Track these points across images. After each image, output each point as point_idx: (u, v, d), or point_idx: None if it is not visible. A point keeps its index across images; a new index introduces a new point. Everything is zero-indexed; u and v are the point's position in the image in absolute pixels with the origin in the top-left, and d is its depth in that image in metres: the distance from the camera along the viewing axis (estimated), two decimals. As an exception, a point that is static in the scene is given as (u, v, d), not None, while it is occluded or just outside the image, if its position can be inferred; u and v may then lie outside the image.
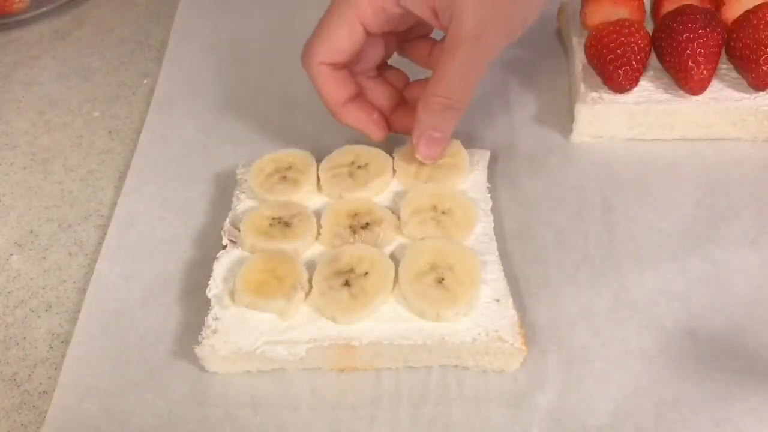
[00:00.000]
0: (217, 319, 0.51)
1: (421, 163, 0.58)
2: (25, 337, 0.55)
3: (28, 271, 0.60)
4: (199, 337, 0.50)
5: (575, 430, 0.48)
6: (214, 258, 0.54)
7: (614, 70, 0.62)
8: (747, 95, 0.64)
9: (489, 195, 0.58)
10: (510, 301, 0.51)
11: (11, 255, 0.61)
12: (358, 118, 0.60)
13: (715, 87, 0.64)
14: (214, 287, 0.53)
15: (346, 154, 0.60)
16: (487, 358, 0.50)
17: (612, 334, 0.52)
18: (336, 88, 0.58)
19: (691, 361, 0.51)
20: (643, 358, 0.51)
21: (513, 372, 0.51)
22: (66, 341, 0.54)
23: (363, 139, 0.61)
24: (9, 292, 0.58)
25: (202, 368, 0.51)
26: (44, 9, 0.84)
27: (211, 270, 0.54)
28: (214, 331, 0.50)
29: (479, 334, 0.49)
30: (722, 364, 0.50)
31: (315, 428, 0.49)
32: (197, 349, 0.50)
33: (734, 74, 0.65)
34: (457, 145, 0.60)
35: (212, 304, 0.52)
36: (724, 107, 0.63)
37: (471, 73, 0.54)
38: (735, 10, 0.65)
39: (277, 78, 0.74)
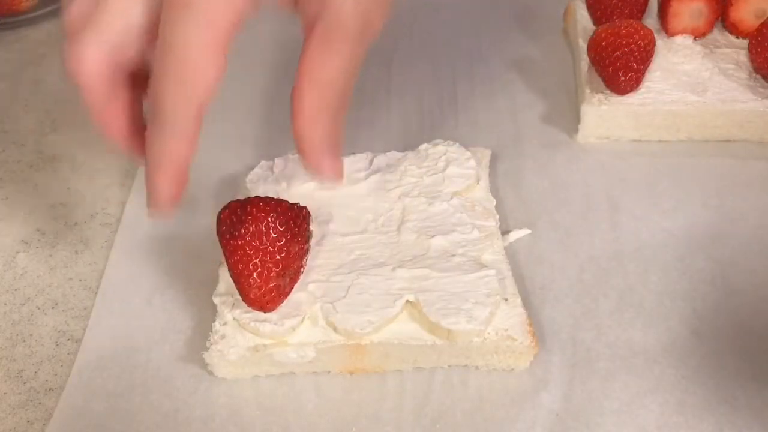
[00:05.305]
0: (225, 324, 0.50)
1: None
2: (31, 335, 0.55)
3: (34, 269, 0.60)
4: (207, 343, 0.50)
5: (579, 429, 0.48)
6: (220, 262, 0.54)
7: (614, 73, 0.62)
8: (754, 97, 0.63)
9: (490, 194, 0.58)
10: (518, 300, 0.51)
11: (18, 253, 0.61)
12: None
13: (723, 88, 0.64)
14: (221, 293, 0.52)
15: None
16: (496, 357, 0.50)
17: (617, 334, 0.52)
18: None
19: (696, 362, 0.51)
20: (647, 359, 0.51)
21: (517, 372, 0.51)
22: (72, 338, 0.54)
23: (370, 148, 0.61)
24: (15, 290, 0.58)
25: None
26: (51, 8, 0.84)
27: (217, 273, 0.54)
28: (222, 337, 0.50)
29: (489, 333, 0.49)
30: (727, 366, 0.50)
31: (319, 428, 0.49)
32: (205, 355, 0.49)
33: (742, 75, 0.64)
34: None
35: (219, 309, 0.51)
36: (731, 109, 0.63)
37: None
38: (743, 10, 0.65)
39: (284, 81, 0.74)
